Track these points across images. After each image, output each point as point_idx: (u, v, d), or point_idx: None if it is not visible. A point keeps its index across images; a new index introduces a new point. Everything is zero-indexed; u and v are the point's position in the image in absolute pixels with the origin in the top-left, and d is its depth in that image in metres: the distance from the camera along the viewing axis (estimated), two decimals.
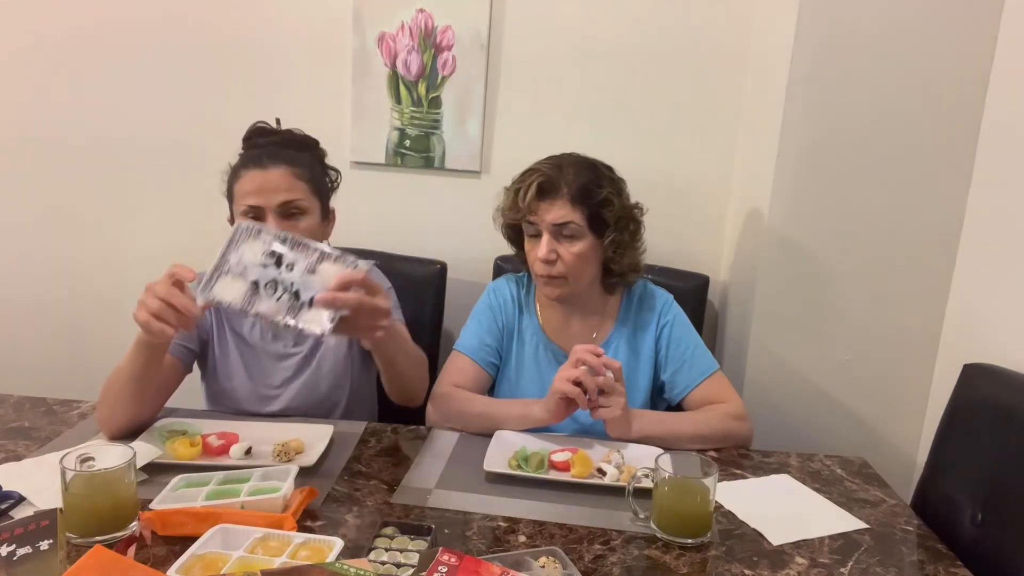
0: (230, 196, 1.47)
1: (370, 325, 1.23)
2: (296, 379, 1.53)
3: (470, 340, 1.57)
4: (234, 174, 1.45)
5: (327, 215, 1.53)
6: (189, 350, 1.50)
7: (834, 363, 1.79)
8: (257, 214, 1.41)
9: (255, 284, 1.16)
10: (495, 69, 1.98)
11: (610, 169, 1.51)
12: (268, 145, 1.47)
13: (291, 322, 1.15)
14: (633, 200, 1.53)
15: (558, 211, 1.44)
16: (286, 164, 1.43)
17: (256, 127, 1.51)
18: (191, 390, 1.59)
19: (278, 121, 1.53)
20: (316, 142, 1.54)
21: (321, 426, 1.37)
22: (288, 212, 1.42)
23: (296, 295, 1.16)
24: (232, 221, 1.49)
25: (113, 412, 1.33)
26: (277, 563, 0.92)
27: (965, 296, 1.69)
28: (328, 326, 1.15)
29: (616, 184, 1.49)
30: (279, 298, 1.16)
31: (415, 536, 1.03)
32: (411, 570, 0.94)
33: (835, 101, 1.65)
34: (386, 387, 1.50)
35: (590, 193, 1.44)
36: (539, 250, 1.46)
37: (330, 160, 1.58)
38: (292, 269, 1.17)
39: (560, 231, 1.45)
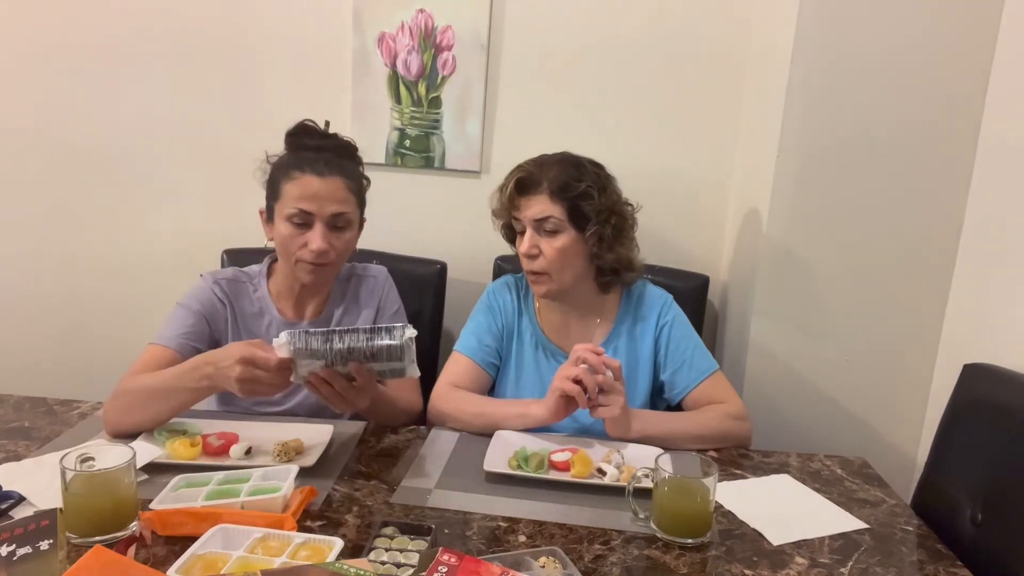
0: (275, 191, 1.45)
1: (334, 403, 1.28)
2: None
3: (470, 341, 1.58)
4: (285, 172, 1.44)
5: (361, 224, 1.54)
6: (197, 350, 1.49)
7: (834, 363, 1.79)
8: (306, 220, 1.42)
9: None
10: (495, 69, 1.98)
11: (597, 166, 1.51)
12: (322, 150, 1.46)
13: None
14: (625, 197, 1.53)
15: (537, 206, 1.45)
16: (343, 176, 1.44)
17: (304, 126, 1.50)
18: None
19: (327, 124, 1.52)
20: (357, 148, 1.54)
21: (321, 426, 1.37)
22: (336, 224, 1.44)
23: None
24: (269, 214, 1.48)
25: (130, 421, 1.32)
26: (277, 563, 0.92)
27: (965, 296, 1.69)
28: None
29: (600, 180, 1.49)
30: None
31: (415, 536, 1.03)
32: (411, 570, 0.94)
33: (835, 101, 1.65)
34: None
35: (569, 187, 1.45)
36: (522, 245, 1.47)
37: None
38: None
39: (541, 226, 1.46)
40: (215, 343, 1.51)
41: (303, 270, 1.46)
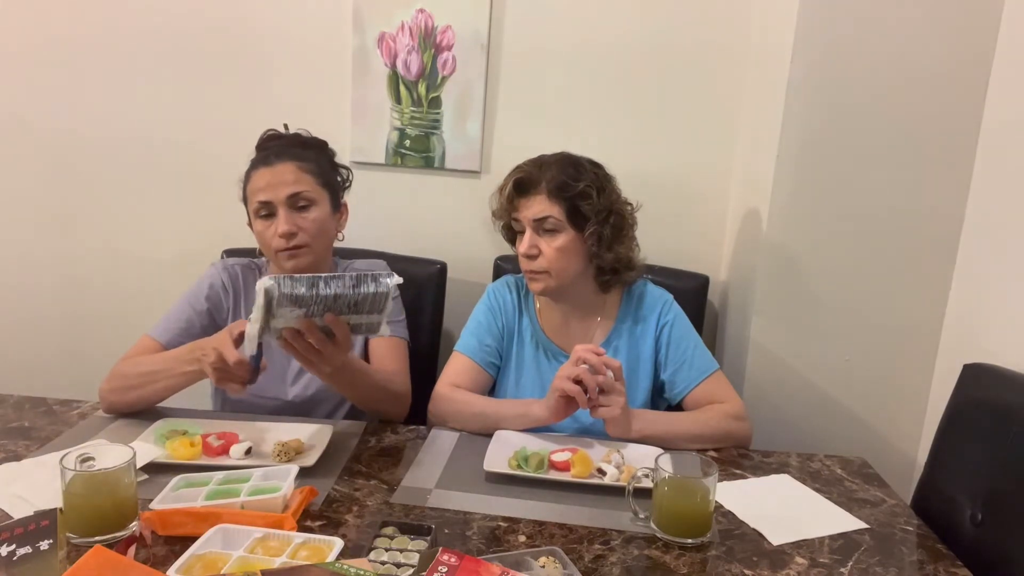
0: (245, 199, 1.53)
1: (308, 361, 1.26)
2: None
3: (470, 341, 1.58)
4: (246, 177, 1.52)
5: (338, 207, 1.58)
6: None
7: (834, 363, 1.79)
8: (269, 209, 1.48)
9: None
10: (495, 69, 1.98)
11: (596, 165, 1.52)
12: (276, 146, 1.53)
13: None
14: (624, 197, 1.53)
15: (537, 206, 1.46)
16: (292, 159, 1.49)
17: (267, 133, 1.58)
18: (191, 390, 1.59)
19: (286, 126, 1.58)
20: (324, 143, 1.60)
21: (321, 426, 1.38)
22: (297, 204, 1.48)
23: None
24: (251, 224, 1.54)
25: (123, 400, 1.42)
26: (277, 563, 0.92)
27: (965, 296, 1.69)
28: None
29: (598, 179, 1.49)
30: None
31: (415, 536, 1.03)
32: (411, 570, 0.94)
33: (835, 100, 1.65)
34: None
35: (567, 187, 1.45)
36: (521, 245, 1.47)
37: None
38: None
39: (540, 226, 1.47)
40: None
41: (283, 258, 1.50)
